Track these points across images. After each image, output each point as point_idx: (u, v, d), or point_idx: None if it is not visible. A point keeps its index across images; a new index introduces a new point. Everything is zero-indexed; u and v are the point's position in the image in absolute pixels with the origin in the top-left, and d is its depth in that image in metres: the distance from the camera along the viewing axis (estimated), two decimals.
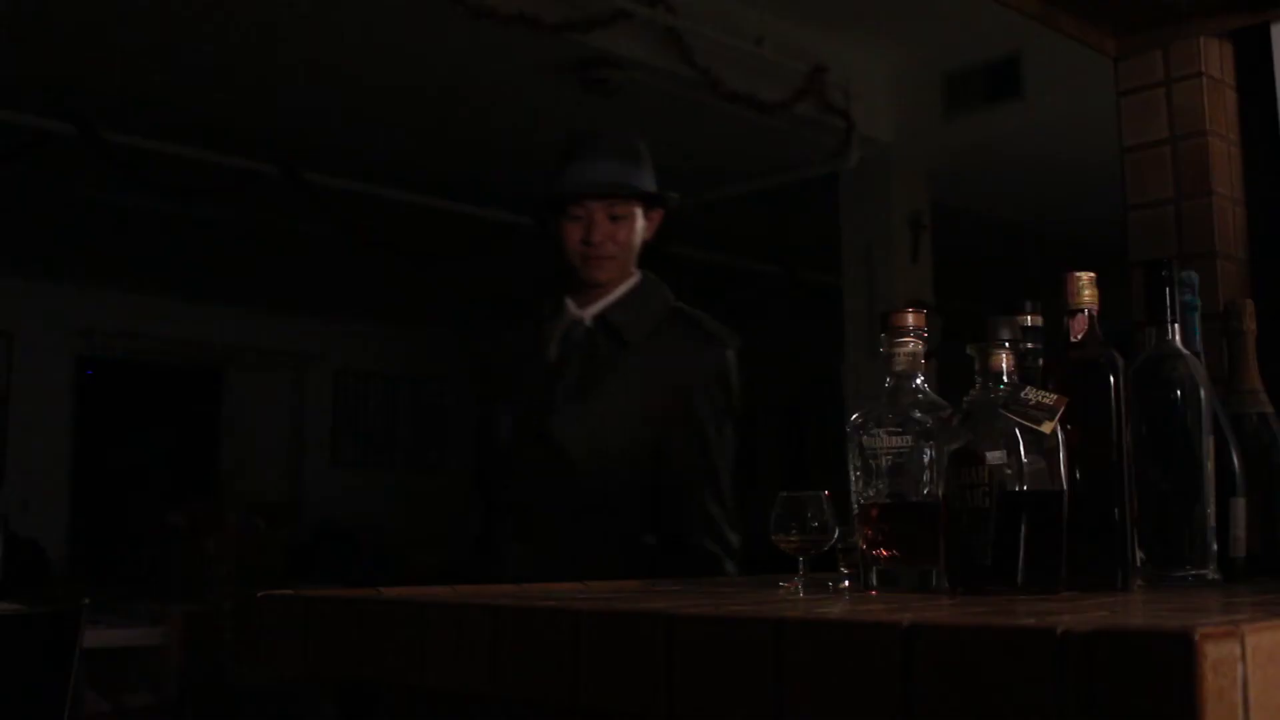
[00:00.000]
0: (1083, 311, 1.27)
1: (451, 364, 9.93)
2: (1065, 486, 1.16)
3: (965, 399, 1.21)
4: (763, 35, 5.32)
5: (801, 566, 1.41)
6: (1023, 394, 1.17)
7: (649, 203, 2.31)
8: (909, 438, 1.28)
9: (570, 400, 2.21)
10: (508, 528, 2.25)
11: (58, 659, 2.72)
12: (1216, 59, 1.98)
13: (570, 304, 2.29)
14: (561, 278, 2.33)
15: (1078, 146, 5.50)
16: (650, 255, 2.39)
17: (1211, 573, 1.31)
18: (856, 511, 1.32)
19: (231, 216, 6.97)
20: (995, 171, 6.51)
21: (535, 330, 2.32)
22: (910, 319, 1.33)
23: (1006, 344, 1.20)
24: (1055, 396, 1.17)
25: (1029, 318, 1.40)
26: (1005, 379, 1.19)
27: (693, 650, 0.90)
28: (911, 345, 1.33)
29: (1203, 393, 1.33)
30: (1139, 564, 1.28)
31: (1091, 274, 1.29)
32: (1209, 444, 1.33)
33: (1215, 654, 0.68)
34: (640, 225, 2.30)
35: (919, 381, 1.32)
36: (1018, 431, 1.15)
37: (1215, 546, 1.32)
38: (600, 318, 2.26)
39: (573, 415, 2.19)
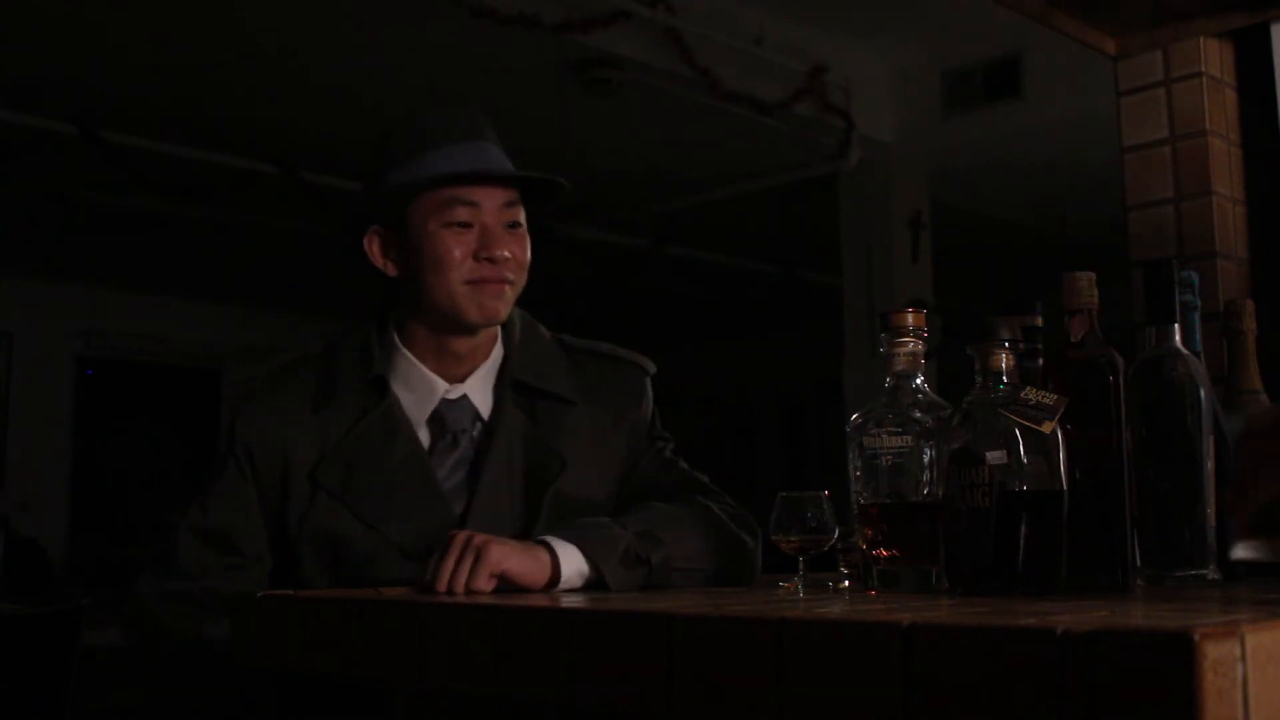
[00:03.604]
0: (1083, 311, 1.27)
1: None
2: (1065, 486, 1.16)
3: (965, 399, 1.21)
4: (762, 35, 5.32)
5: (801, 566, 1.41)
6: (1023, 394, 1.18)
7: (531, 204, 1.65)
8: (909, 438, 1.28)
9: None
10: None
11: (58, 659, 2.71)
12: (1216, 59, 1.98)
13: (428, 374, 1.63)
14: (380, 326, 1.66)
15: (1078, 146, 5.51)
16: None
17: (1211, 573, 1.31)
18: (856, 511, 1.32)
19: (231, 216, 6.98)
20: (995, 171, 6.51)
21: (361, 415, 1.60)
22: (910, 319, 1.33)
23: (1006, 344, 1.20)
24: (1055, 396, 1.17)
25: (1029, 318, 1.40)
26: (1005, 379, 1.19)
27: (693, 651, 0.90)
28: (911, 345, 1.33)
29: (1203, 393, 1.33)
30: (1139, 564, 1.28)
31: (1091, 274, 1.29)
32: (1209, 444, 1.33)
33: (1215, 654, 0.68)
34: None
35: (919, 381, 1.32)
36: (1018, 431, 1.15)
37: (1215, 546, 1.32)
38: (513, 382, 1.65)
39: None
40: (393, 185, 1.57)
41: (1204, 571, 1.30)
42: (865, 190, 6.18)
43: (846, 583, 1.43)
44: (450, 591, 1.31)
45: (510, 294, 1.61)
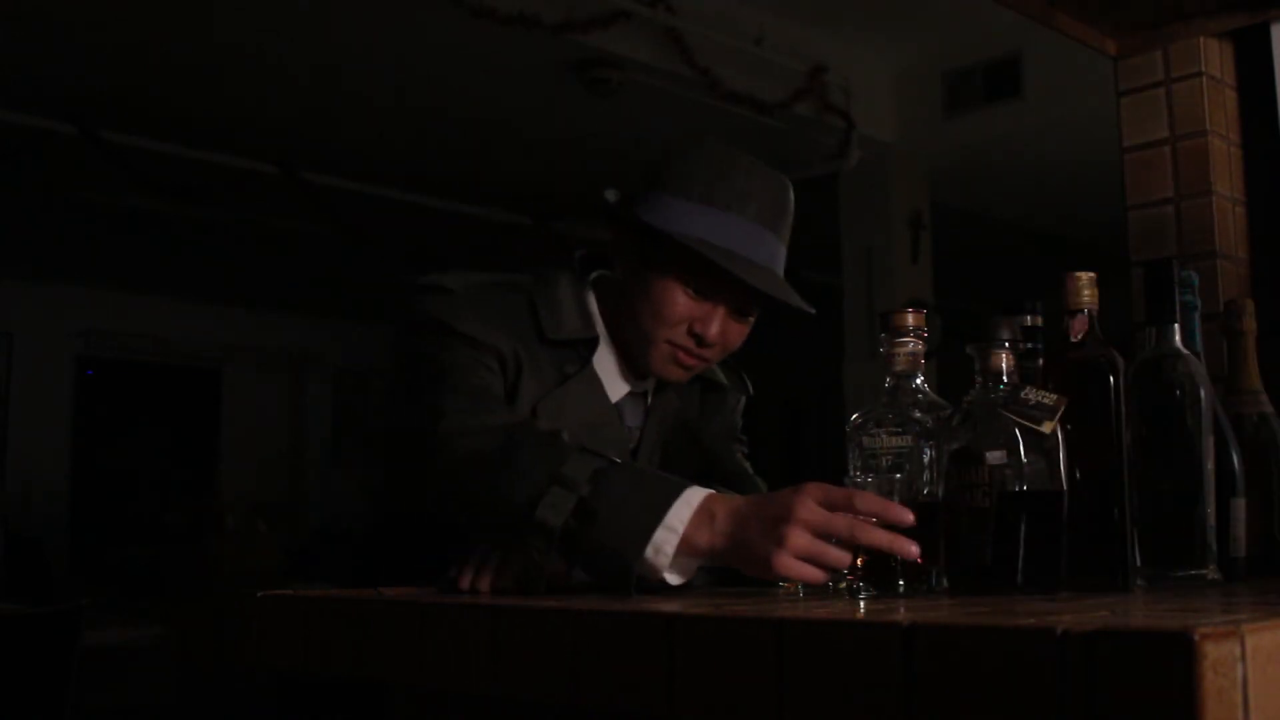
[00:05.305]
0: (1083, 311, 1.27)
1: None
2: (1065, 486, 1.16)
3: (965, 399, 1.21)
4: (762, 35, 5.32)
5: None
6: (1023, 394, 1.17)
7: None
8: (909, 438, 1.28)
9: None
10: None
11: (58, 659, 2.72)
12: (1216, 59, 1.98)
13: (619, 366, 1.62)
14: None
15: (1078, 146, 5.52)
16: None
17: (1211, 573, 1.31)
18: None
19: (231, 216, 6.97)
20: (995, 171, 6.51)
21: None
22: (910, 319, 1.33)
23: (1006, 344, 1.20)
24: (1055, 396, 1.17)
25: (1029, 318, 1.40)
26: (1005, 379, 1.19)
27: (694, 651, 0.90)
28: (911, 345, 1.32)
29: (1203, 393, 1.33)
30: (1139, 564, 1.28)
31: (1091, 274, 1.29)
32: (1209, 444, 1.32)
33: (1215, 654, 0.68)
34: None
35: (919, 381, 1.32)
36: (1018, 431, 1.15)
37: (1215, 546, 1.32)
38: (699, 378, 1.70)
39: None
40: (662, 223, 1.51)
41: (1204, 571, 1.30)
42: (865, 190, 6.18)
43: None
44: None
45: (700, 368, 1.61)
